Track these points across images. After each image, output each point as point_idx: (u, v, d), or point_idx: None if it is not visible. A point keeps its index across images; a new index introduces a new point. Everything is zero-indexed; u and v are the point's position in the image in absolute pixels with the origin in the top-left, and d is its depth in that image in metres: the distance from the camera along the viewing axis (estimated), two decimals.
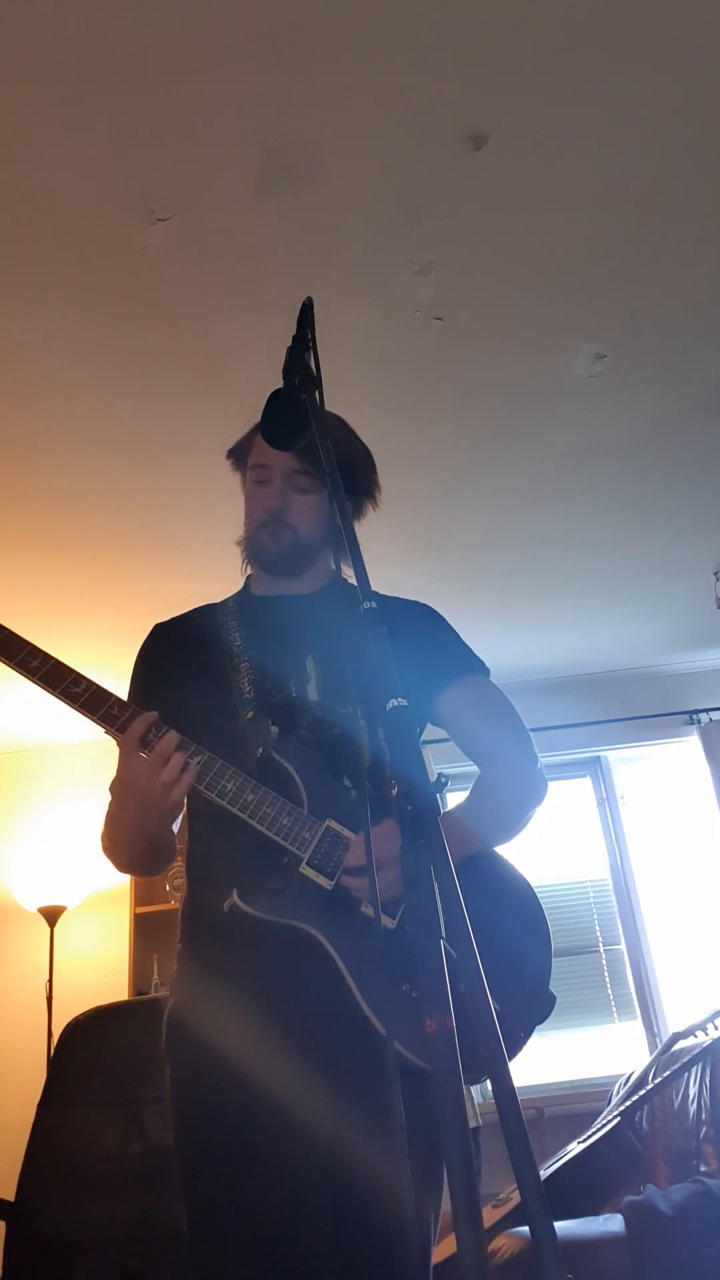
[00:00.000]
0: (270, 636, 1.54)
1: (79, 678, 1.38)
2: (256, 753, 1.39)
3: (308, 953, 1.30)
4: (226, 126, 1.97)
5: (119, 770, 1.37)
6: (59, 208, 2.11)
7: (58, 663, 1.39)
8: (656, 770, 4.64)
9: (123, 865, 1.47)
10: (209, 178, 2.07)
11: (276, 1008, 1.30)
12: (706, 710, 4.50)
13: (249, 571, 1.66)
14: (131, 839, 1.39)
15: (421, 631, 1.60)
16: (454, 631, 1.63)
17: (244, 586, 1.67)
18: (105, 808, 1.40)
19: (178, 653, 1.58)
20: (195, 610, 1.65)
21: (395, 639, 1.46)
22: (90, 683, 1.38)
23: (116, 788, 1.37)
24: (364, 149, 2.04)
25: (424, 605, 1.66)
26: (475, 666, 1.59)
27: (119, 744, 1.36)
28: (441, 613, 1.67)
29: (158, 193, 2.10)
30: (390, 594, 1.63)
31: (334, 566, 1.56)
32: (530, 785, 1.52)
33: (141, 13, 1.76)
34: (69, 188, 2.06)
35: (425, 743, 1.61)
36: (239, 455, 1.63)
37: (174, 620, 1.64)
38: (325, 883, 1.32)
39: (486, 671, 1.60)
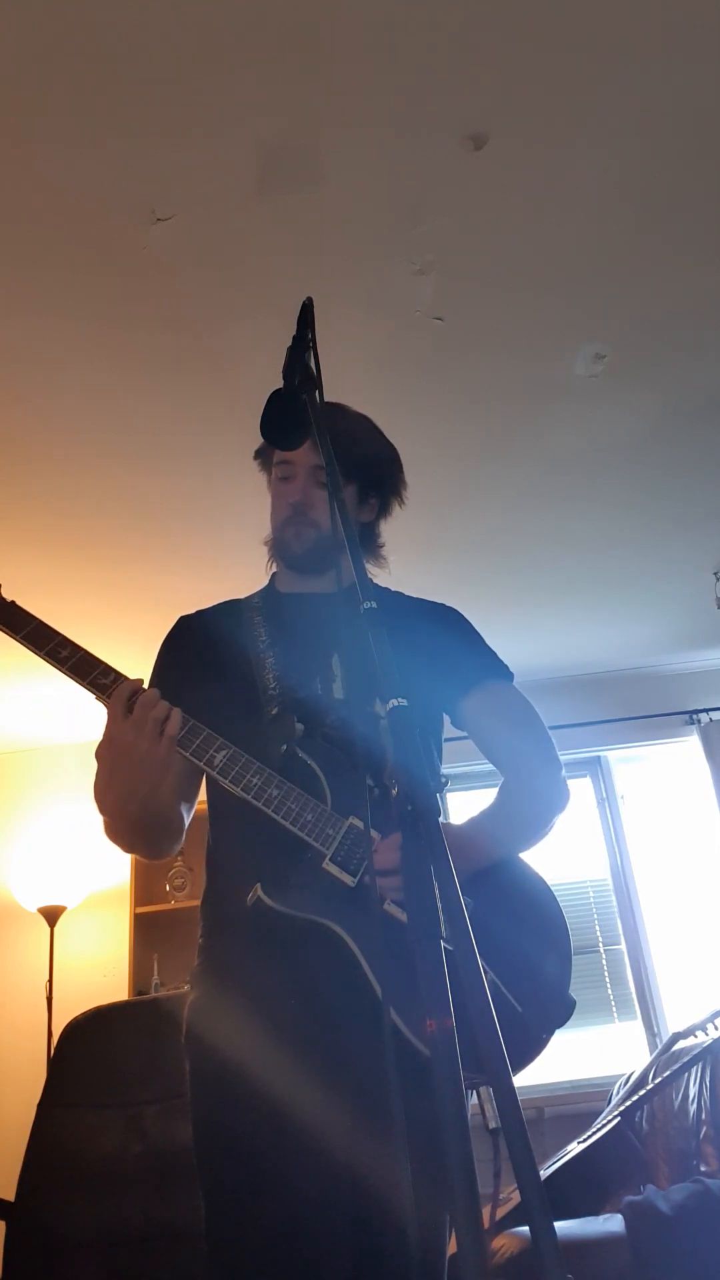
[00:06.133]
0: (295, 634, 1.54)
1: (65, 641, 1.39)
2: (280, 749, 1.39)
3: (330, 948, 1.30)
4: (227, 127, 1.97)
5: (105, 732, 1.34)
6: (60, 208, 2.11)
7: (42, 624, 1.40)
8: (656, 770, 4.64)
9: (124, 840, 1.43)
10: (209, 178, 2.07)
11: (298, 1003, 1.30)
12: (706, 710, 4.50)
13: (274, 569, 1.67)
14: (124, 803, 1.36)
15: (445, 634, 1.60)
16: (478, 635, 1.63)
17: (269, 583, 1.67)
18: (93, 780, 1.38)
19: (202, 646, 1.58)
20: (220, 605, 1.65)
21: (419, 641, 1.47)
22: (77, 647, 1.38)
23: (103, 749, 1.34)
24: (364, 149, 2.04)
25: (449, 608, 1.66)
26: (499, 671, 1.59)
27: (107, 709, 1.34)
28: None
29: (158, 193, 2.10)
30: (412, 595, 1.64)
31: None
32: (552, 792, 1.53)
33: (142, 14, 1.76)
34: (70, 188, 2.06)
35: (447, 740, 1.61)
36: (265, 455, 1.62)
37: (199, 613, 1.64)
38: (348, 879, 1.32)
39: (510, 676, 1.60)
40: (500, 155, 2.08)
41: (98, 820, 1.42)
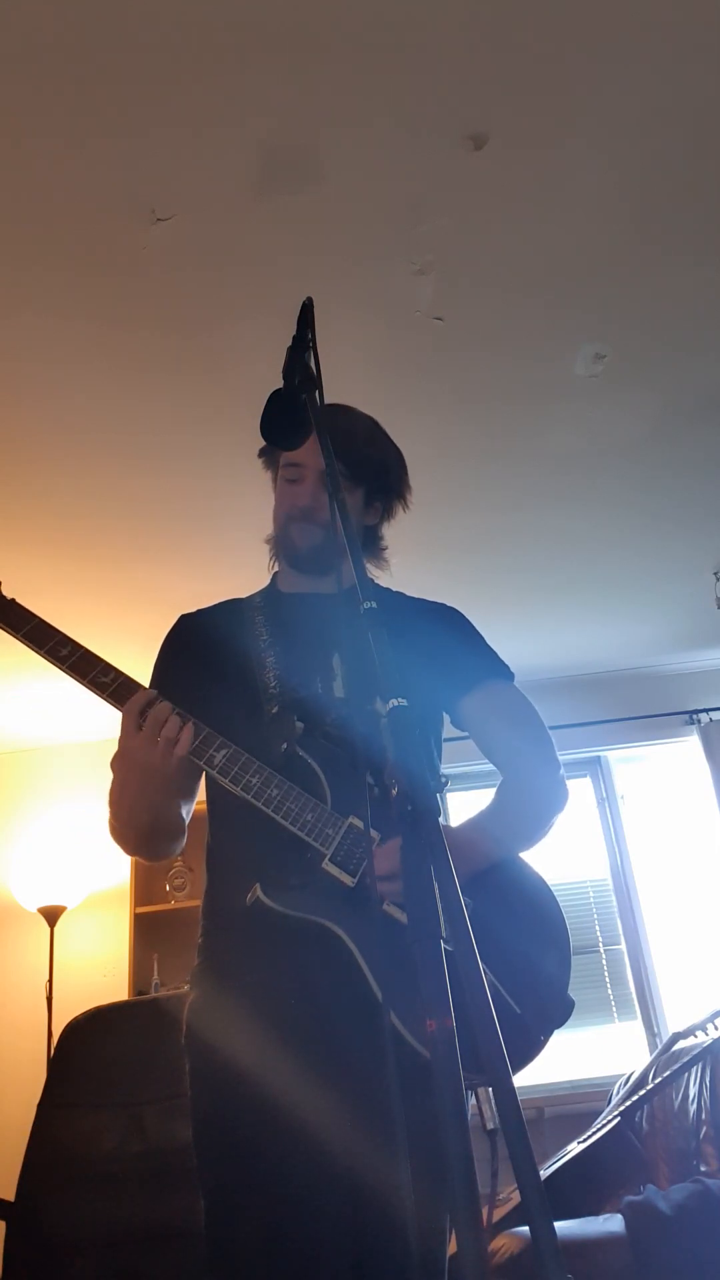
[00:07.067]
0: (297, 634, 1.54)
1: (65, 639, 1.41)
2: (280, 748, 1.40)
3: (329, 948, 1.30)
4: (227, 127, 1.97)
5: (119, 743, 1.38)
6: (60, 208, 2.11)
7: (43, 622, 1.42)
8: (656, 770, 4.64)
9: (130, 845, 1.48)
10: (209, 178, 2.07)
11: (296, 1003, 1.31)
12: (706, 710, 4.50)
13: (276, 568, 1.67)
14: (136, 813, 1.40)
15: (445, 634, 1.61)
16: (479, 635, 1.64)
17: (271, 583, 1.68)
18: (108, 787, 1.41)
19: (203, 645, 1.58)
20: (222, 604, 1.65)
21: (419, 641, 1.47)
22: (77, 645, 1.41)
23: (117, 761, 1.38)
24: (364, 149, 2.04)
25: (450, 608, 1.67)
26: (499, 671, 1.59)
27: (122, 716, 1.37)
28: None
29: (158, 193, 2.10)
30: (412, 595, 1.64)
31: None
32: (551, 792, 1.53)
33: (141, 14, 1.76)
34: (69, 187, 2.06)
35: (447, 740, 1.61)
36: (270, 454, 1.62)
37: (201, 612, 1.64)
38: (347, 879, 1.33)
39: (510, 676, 1.60)
40: (500, 155, 2.08)
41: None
